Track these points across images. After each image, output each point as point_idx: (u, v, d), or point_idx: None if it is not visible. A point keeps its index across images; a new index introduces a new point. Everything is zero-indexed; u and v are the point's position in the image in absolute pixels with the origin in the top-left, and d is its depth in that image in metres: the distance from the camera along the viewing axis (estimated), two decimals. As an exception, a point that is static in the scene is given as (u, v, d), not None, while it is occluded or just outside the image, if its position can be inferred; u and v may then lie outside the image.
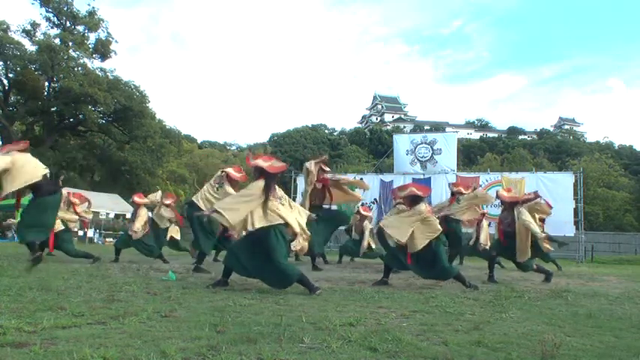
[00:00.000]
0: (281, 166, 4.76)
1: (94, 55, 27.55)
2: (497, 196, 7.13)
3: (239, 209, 4.47)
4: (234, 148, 60.27)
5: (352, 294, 4.76)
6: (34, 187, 5.98)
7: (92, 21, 27.12)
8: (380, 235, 6.71)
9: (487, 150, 60.44)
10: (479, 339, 2.72)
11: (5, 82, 25.65)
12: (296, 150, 62.71)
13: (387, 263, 6.23)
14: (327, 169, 7.84)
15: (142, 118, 27.31)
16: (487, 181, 17.71)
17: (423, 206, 5.60)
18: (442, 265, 5.54)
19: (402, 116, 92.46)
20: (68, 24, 27.11)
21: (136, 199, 9.20)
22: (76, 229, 10.16)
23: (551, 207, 7.95)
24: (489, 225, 10.60)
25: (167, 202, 9.07)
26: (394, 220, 5.73)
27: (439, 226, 5.64)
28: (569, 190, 16.65)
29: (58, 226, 7.34)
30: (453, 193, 9.32)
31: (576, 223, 16.59)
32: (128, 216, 19.27)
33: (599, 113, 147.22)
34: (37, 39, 25.50)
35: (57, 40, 25.48)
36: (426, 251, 5.51)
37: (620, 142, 74.88)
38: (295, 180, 20.03)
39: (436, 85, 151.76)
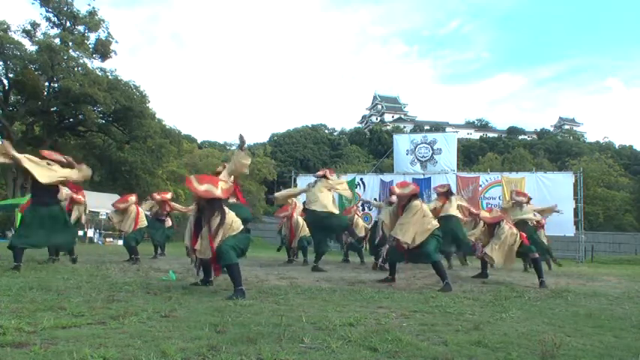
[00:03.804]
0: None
1: (94, 55, 27.50)
2: (480, 219, 7.19)
3: None
4: (234, 148, 60.19)
5: (352, 294, 4.76)
6: None
7: (92, 21, 27.09)
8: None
9: (487, 150, 60.51)
10: (479, 339, 2.72)
11: (5, 82, 25.60)
12: (296, 150, 62.73)
13: (390, 261, 6.30)
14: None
15: (142, 118, 27.26)
16: (487, 181, 17.74)
17: (418, 201, 5.83)
18: (426, 248, 5.63)
19: (402, 116, 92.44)
20: (68, 24, 27.07)
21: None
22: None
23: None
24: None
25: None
26: (404, 226, 5.71)
27: (435, 222, 5.86)
28: (569, 190, 16.68)
29: None
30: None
31: (576, 223, 16.63)
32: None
33: (599, 113, 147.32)
34: (37, 39, 25.44)
35: (57, 40, 25.42)
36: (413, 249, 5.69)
37: (620, 142, 74.99)
38: (295, 180, 20.07)
39: (436, 85, 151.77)
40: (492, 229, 6.65)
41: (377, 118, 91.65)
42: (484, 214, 7.01)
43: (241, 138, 5.41)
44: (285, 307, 3.78)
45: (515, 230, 6.58)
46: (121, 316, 3.04)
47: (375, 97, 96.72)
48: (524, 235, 6.73)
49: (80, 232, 18.52)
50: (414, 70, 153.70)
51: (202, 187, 4.56)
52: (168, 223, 10.81)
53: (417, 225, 5.64)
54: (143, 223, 8.95)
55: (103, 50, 27.69)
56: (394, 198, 6.57)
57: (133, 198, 8.94)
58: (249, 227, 5.95)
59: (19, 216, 19.08)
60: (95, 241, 20.76)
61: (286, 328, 2.82)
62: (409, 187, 5.96)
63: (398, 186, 6.04)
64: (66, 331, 2.61)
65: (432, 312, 3.78)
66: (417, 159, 18.59)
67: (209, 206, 4.55)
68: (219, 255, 4.43)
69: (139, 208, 9.05)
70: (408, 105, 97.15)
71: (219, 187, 4.62)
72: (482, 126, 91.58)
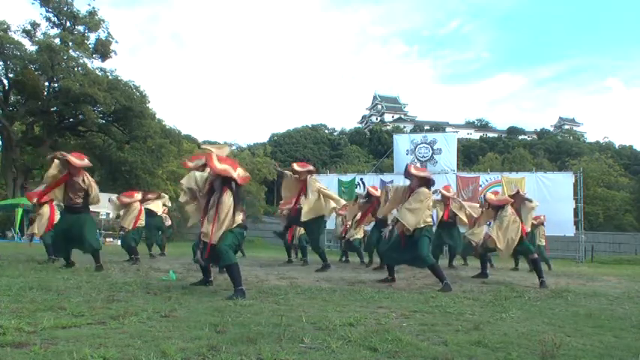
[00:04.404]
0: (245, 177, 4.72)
1: (94, 55, 27.48)
2: (485, 200, 7.16)
3: None
4: (234, 148, 60.13)
5: (352, 294, 4.76)
6: None
7: (92, 21, 27.08)
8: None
9: (487, 150, 60.56)
10: (479, 339, 2.72)
11: (5, 82, 25.59)
12: (296, 150, 62.76)
13: (386, 263, 6.29)
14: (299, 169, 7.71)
15: (142, 118, 27.23)
16: (487, 181, 17.73)
17: (428, 191, 5.72)
18: (420, 251, 5.56)
19: (402, 116, 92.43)
20: (68, 24, 27.06)
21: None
22: None
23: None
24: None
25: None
26: (410, 212, 5.62)
27: (430, 219, 5.81)
28: (569, 190, 16.66)
29: None
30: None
31: (576, 223, 16.61)
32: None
33: (599, 113, 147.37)
34: (37, 39, 25.42)
35: (57, 40, 25.40)
36: (410, 237, 5.64)
37: (620, 142, 75.00)
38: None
39: (436, 85, 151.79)
40: (496, 212, 6.62)
41: (377, 118, 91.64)
42: (490, 196, 6.98)
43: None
44: (285, 307, 3.78)
45: (517, 218, 6.55)
46: (121, 316, 3.03)
47: (375, 97, 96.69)
48: (525, 229, 6.74)
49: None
50: (414, 70, 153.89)
51: (221, 166, 4.54)
52: (168, 222, 10.81)
53: (422, 213, 5.59)
54: (142, 222, 8.94)
55: (103, 50, 27.69)
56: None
57: (138, 195, 8.95)
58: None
59: (19, 215, 19.15)
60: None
61: (286, 328, 2.82)
62: (425, 172, 5.93)
63: (414, 168, 5.95)
64: (66, 331, 2.61)
65: (432, 312, 3.78)
66: (417, 159, 18.59)
67: (222, 188, 4.51)
68: (218, 255, 4.43)
69: (142, 207, 9.04)
70: (408, 105, 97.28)
71: (237, 172, 4.59)
72: (483, 126, 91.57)
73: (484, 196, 7.46)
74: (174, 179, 31.77)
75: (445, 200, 9.07)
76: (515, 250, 6.56)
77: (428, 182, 5.77)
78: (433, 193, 8.81)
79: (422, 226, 5.59)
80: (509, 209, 6.51)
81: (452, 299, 4.55)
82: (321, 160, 59.84)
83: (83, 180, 6.46)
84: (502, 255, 6.68)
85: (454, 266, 9.51)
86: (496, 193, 7.30)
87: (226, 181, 4.54)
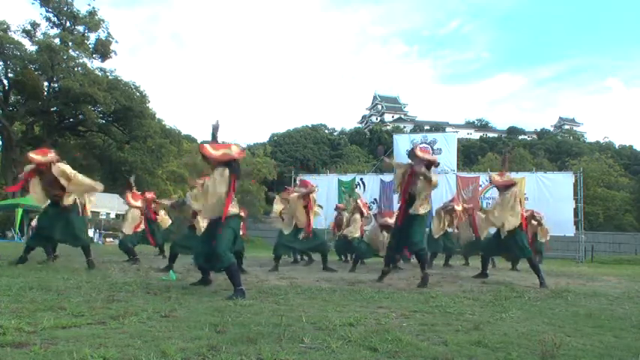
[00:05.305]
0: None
1: (94, 55, 27.52)
2: (492, 182, 7.20)
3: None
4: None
5: (352, 294, 4.76)
6: None
7: (92, 21, 27.11)
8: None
9: (487, 150, 60.53)
10: (479, 339, 2.72)
11: (5, 82, 25.61)
12: (296, 150, 62.71)
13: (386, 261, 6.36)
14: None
15: (142, 118, 27.27)
16: (487, 181, 17.70)
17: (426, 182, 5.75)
18: (413, 237, 5.74)
19: (402, 116, 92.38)
20: (68, 24, 27.09)
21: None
22: None
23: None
24: None
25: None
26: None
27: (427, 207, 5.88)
28: (569, 190, 16.65)
29: None
30: None
31: (576, 223, 16.61)
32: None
33: (599, 113, 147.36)
34: (37, 39, 25.45)
35: (57, 40, 25.43)
36: (404, 225, 5.78)
37: (620, 142, 74.95)
38: (296, 180, 20.07)
39: (436, 85, 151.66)
40: (502, 193, 6.67)
41: (377, 118, 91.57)
42: (496, 177, 7.01)
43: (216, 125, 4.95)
44: (285, 307, 3.78)
45: (519, 206, 6.56)
46: (121, 316, 3.03)
47: (375, 97, 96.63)
48: (526, 223, 6.80)
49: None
50: (414, 70, 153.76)
51: (218, 152, 4.54)
52: (168, 221, 10.82)
53: (426, 200, 5.69)
54: (141, 226, 9.08)
55: (103, 50, 27.71)
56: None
57: (140, 203, 9.06)
58: None
59: (19, 215, 19.15)
60: (95, 241, 20.73)
61: (286, 328, 2.82)
62: (429, 154, 6.06)
63: (420, 150, 6.02)
64: (66, 331, 2.61)
65: (432, 312, 3.78)
66: (417, 159, 18.59)
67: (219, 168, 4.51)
68: (216, 259, 4.43)
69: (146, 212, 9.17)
70: (408, 105, 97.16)
71: (233, 150, 4.58)
72: (483, 126, 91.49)
73: (489, 177, 7.49)
74: (174, 179, 31.81)
75: (453, 213, 9.64)
76: (512, 245, 6.56)
77: (432, 165, 5.80)
78: (446, 210, 9.21)
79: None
80: (515, 189, 6.54)
81: (452, 299, 4.55)
82: (321, 160, 59.79)
83: (57, 173, 6.36)
84: (496, 224, 6.64)
85: (450, 265, 9.64)
86: (502, 174, 7.21)
87: (228, 163, 4.54)
